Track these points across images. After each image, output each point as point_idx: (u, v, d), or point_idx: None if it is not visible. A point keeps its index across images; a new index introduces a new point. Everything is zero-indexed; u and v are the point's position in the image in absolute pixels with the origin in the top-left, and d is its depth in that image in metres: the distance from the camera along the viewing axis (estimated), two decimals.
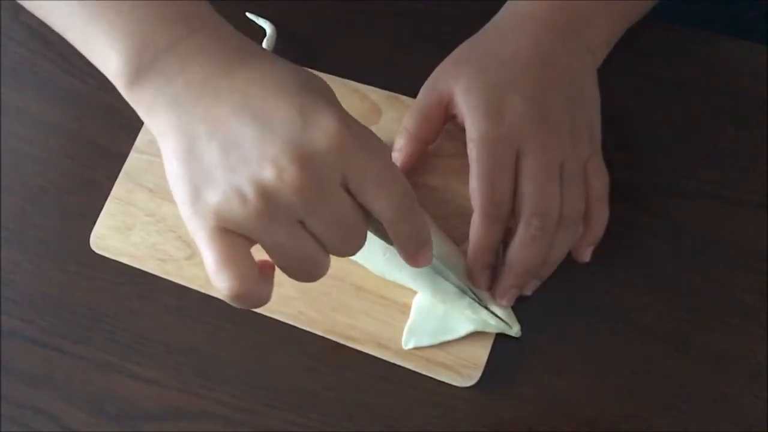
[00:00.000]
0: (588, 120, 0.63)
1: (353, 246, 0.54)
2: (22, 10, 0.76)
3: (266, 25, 0.71)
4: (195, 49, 0.52)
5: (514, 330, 0.63)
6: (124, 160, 0.71)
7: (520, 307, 0.64)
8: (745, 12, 0.79)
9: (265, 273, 0.53)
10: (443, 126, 0.64)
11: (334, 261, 0.66)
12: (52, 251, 0.71)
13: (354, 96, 0.69)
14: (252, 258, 0.51)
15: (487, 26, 0.65)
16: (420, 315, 0.64)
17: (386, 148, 0.54)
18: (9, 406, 0.68)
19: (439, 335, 0.64)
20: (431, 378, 0.64)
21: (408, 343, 0.64)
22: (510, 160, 0.60)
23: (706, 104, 0.68)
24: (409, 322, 0.64)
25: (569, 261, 0.65)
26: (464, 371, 0.63)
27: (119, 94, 0.60)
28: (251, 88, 0.51)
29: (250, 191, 0.49)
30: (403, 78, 0.68)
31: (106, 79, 0.56)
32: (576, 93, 0.62)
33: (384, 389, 0.65)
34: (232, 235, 0.50)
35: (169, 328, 0.68)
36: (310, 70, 0.54)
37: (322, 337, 0.65)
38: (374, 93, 0.69)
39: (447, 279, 0.63)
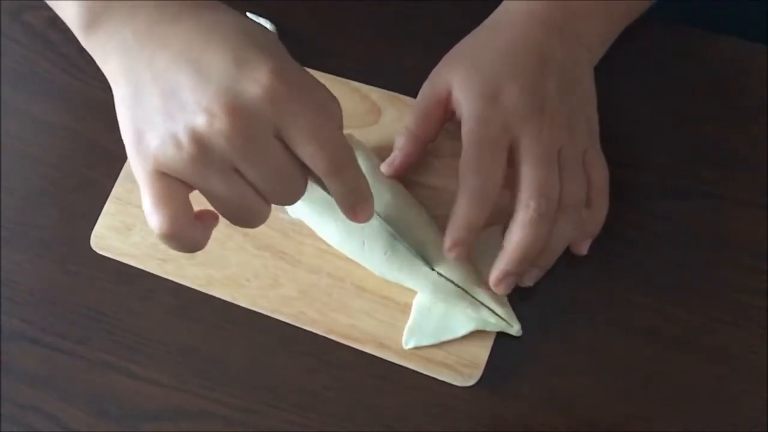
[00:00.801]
0: (585, 113, 0.63)
1: (290, 196, 0.55)
2: (22, 10, 0.76)
3: (266, 25, 0.71)
4: None
5: (515, 329, 0.63)
6: (124, 160, 0.71)
7: (520, 307, 0.64)
8: (745, 11, 0.79)
9: (204, 220, 0.54)
10: (443, 124, 0.65)
11: (335, 261, 0.66)
12: (52, 251, 0.71)
13: (354, 96, 0.69)
14: (187, 202, 0.53)
15: (485, 23, 0.65)
16: (420, 315, 0.64)
17: (327, 101, 0.54)
18: (9, 406, 0.68)
19: (439, 335, 0.64)
20: (431, 378, 0.64)
21: (408, 342, 0.64)
22: (501, 142, 0.60)
23: (706, 104, 0.68)
24: (410, 321, 0.64)
25: (569, 260, 0.65)
26: (464, 371, 0.63)
27: None
28: (194, 38, 0.52)
29: (184, 137, 0.51)
30: (403, 78, 0.68)
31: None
32: (572, 87, 0.62)
33: (384, 389, 0.65)
34: (170, 179, 0.52)
35: (169, 328, 0.68)
36: (259, 23, 0.54)
37: (323, 337, 0.65)
38: (374, 93, 0.69)
39: (449, 280, 0.63)
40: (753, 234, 0.64)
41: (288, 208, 0.66)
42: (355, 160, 0.55)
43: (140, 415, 0.67)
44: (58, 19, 0.61)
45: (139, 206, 0.69)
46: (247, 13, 0.71)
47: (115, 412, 0.67)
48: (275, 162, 0.53)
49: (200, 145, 0.51)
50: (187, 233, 0.53)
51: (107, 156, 0.72)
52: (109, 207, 0.70)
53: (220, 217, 0.55)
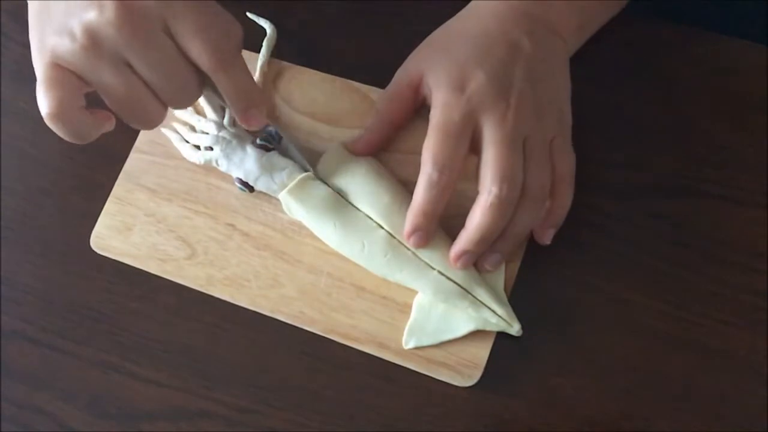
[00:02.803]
0: (554, 100, 0.64)
1: (180, 93, 0.58)
2: (22, 10, 0.76)
3: (266, 25, 0.71)
4: None
5: (515, 329, 0.63)
6: (124, 160, 0.71)
7: (520, 307, 0.64)
8: (744, 11, 0.79)
9: (98, 115, 0.58)
10: (414, 109, 0.66)
11: (334, 261, 0.66)
12: (53, 251, 0.71)
13: (354, 96, 0.69)
14: (77, 92, 0.56)
15: (462, 11, 0.66)
16: (420, 314, 0.64)
17: (225, 18, 0.57)
18: (9, 406, 0.68)
19: (439, 335, 0.64)
20: (431, 378, 0.64)
21: (408, 342, 0.64)
22: (465, 130, 0.61)
23: (706, 104, 0.68)
24: (410, 321, 0.64)
25: (569, 261, 0.65)
26: (464, 371, 0.63)
27: None
28: None
29: (78, 29, 0.55)
30: None
31: None
32: (542, 74, 0.63)
33: (384, 389, 0.65)
34: (64, 70, 0.56)
35: (169, 328, 0.68)
36: None
37: (323, 337, 0.65)
38: (374, 93, 0.69)
39: (451, 280, 0.63)
40: (753, 234, 0.65)
41: (287, 210, 0.66)
42: (242, 61, 0.58)
43: (140, 415, 0.67)
44: None
45: (139, 206, 0.69)
46: (247, 13, 0.71)
47: (115, 412, 0.67)
48: (163, 55, 0.56)
49: (91, 35, 0.55)
50: (74, 117, 0.56)
51: (107, 156, 0.72)
52: (109, 207, 0.70)
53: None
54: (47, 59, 0.56)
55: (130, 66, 0.56)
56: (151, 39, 0.55)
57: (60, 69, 0.56)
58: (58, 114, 0.56)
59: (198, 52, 0.56)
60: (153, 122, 0.59)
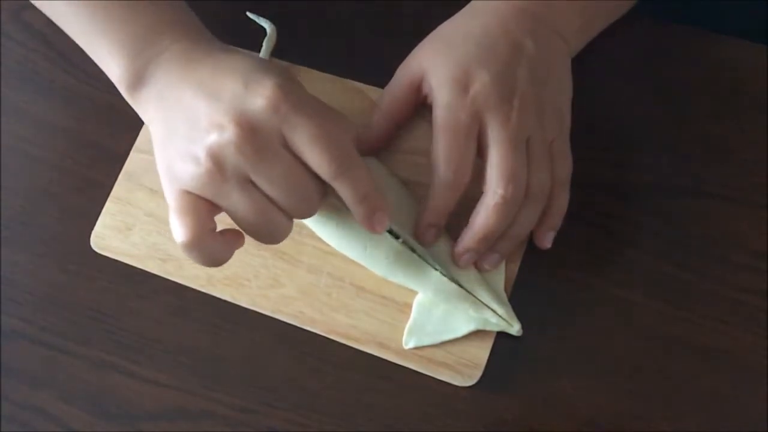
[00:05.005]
0: (555, 102, 0.64)
1: (305, 205, 0.58)
2: (22, 9, 0.76)
3: (266, 25, 0.71)
4: (176, 54, 0.61)
5: (515, 328, 0.63)
6: (124, 160, 0.71)
7: (520, 307, 0.64)
8: (745, 11, 0.79)
9: (228, 238, 0.59)
10: (415, 106, 0.66)
11: (334, 261, 0.66)
12: (52, 251, 0.71)
13: (354, 96, 0.69)
14: (209, 216, 0.57)
15: (463, 9, 0.66)
16: (421, 314, 0.64)
17: (328, 111, 0.58)
18: (9, 406, 0.68)
19: (439, 335, 0.64)
20: (431, 378, 0.64)
21: (408, 342, 0.64)
22: (472, 131, 0.61)
23: (706, 104, 0.68)
24: (410, 321, 0.64)
25: (569, 261, 0.65)
26: (465, 371, 0.63)
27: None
28: (212, 74, 0.58)
29: (202, 154, 0.56)
30: None
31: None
32: (544, 75, 0.63)
33: (384, 389, 0.65)
34: (193, 196, 0.57)
35: (169, 328, 0.68)
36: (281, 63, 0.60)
37: (323, 337, 0.65)
38: (374, 93, 0.69)
39: (453, 281, 0.63)
40: (753, 234, 0.64)
41: None
42: (362, 165, 0.58)
43: (140, 415, 0.67)
44: None
45: (139, 206, 0.69)
46: (247, 13, 0.71)
47: (115, 412, 0.67)
48: (286, 170, 0.56)
49: (215, 159, 0.56)
50: (208, 244, 0.57)
51: (107, 156, 0.72)
52: (109, 207, 0.70)
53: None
54: (176, 187, 0.57)
55: (254, 184, 0.56)
56: (272, 155, 0.56)
57: (190, 196, 0.57)
58: (194, 243, 0.56)
59: (318, 161, 0.57)
60: (281, 236, 0.59)
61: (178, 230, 0.56)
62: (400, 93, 0.66)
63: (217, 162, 0.56)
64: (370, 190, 0.59)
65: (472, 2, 0.66)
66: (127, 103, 0.63)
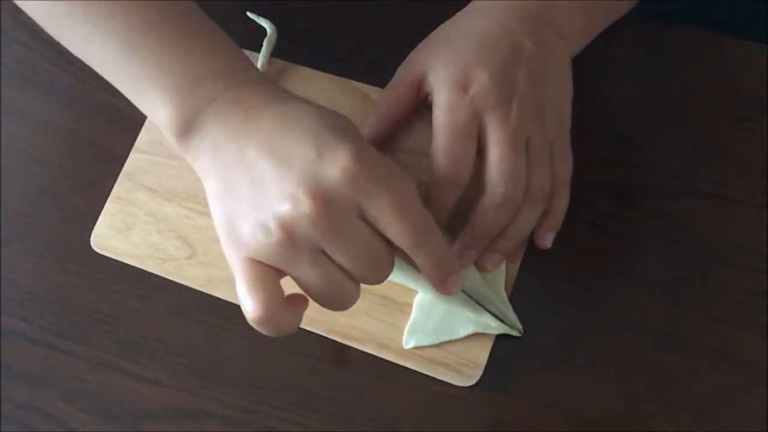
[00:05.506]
0: (555, 102, 0.64)
1: (379, 273, 0.56)
2: (22, 10, 0.76)
3: (266, 25, 0.71)
4: (230, 102, 0.57)
5: (515, 329, 0.63)
6: (124, 160, 0.71)
7: (520, 307, 0.64)
8: (745, 12, 0.79)
9: (295, 304, 0.56)
10: (415, 106, 0.66)
11: None
12: (52, 251, 0.71)
13: (354, 96, 0.69)
14: (278, 287, 0.55)
15: (465, 9, 0.66)
16: (421, 315, 0.64)
17: (402, 178, 0.55)
18: (9, 406, 0.68)
19: (439, 335, 0.64)
20: (431, 378, 0.64)
21: (408, 342, 0.64)
22: (471, 130, 0.61)
23: (706, 104, 0.68)
24: (410, 321, 0.64)
25: (569, 261, 0.65)
26: (465, 371, 0.63)
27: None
28: (276, 130, 0.55)
29: (272, 225, 0.53)
30: None
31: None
32: (544, 76, 0.63)
33: (384, 389, 0.65)
34: (262, 266, 0.54)
35: (169, 328, 0.68)
36: (333, 110, 0.57)
37: (323, 337, 0.65)
38: (374, 93, 0.69)
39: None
40: (753, 234, 0.64)
41: None
42: (437, 230, 0.56)
43: (140, 415, 0.67)
44: None
45: (139, 206, 0.69)
46: (248, 13, 0.71)
47: (115, 412, 0.67)
48: (361, 242, 0.54)
49: (287, 231, 0.53)
50: (279, 317, 0.55)
51: (107, 156, 0.72)
52: (109, 207, 0.70)
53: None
54: (242, 254, 0.55)
55: (325, 254, 0.54)
56: (349, 227, 0.54)
57: (258, 266, 0.54)
58: (267, 318, 0.54)
59: (396, 233, 0.55)
60: (349, 303, 0.57)
61: (251, 306, 0.54)
62: (400, 93, 0.66)
63: (289, 234, 0.53)
64: (446, 255, 0.58)
65: (472, 2, 0.66)
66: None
